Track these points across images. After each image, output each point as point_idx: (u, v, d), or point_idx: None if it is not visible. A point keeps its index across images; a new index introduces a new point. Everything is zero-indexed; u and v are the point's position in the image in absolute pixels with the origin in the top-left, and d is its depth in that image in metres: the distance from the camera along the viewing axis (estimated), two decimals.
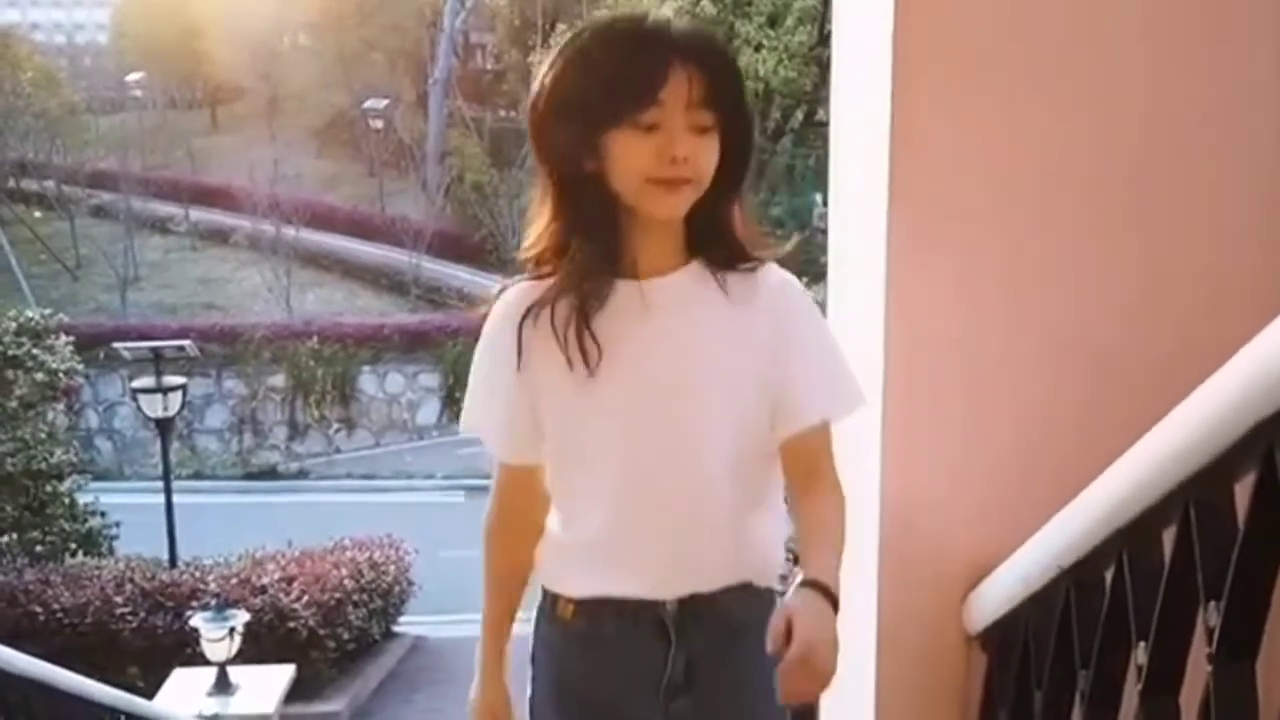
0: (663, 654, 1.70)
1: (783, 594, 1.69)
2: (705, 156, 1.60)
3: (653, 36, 1.60)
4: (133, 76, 32.72)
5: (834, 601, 1.53)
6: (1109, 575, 1.60)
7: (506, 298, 1.71)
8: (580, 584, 1.73)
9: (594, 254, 1.64)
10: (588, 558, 1.72)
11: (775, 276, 1.71)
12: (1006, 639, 2.08)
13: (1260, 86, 2.11)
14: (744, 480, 1.70)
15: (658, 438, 1.66)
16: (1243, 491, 1.27)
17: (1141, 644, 1.47)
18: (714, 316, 1.68)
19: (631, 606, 1.70)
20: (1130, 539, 1.54)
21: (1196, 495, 1.35)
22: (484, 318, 1.74)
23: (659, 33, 1.60)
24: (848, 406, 1.75)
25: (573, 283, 1.64)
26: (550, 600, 1.76)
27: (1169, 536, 1.43)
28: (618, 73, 1.58)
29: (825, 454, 1.73)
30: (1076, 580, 1.74)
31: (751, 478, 1.71)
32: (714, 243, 1.69)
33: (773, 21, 25.69)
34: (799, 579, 1.58)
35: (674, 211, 1.62)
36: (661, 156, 1.57)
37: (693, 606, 1.70)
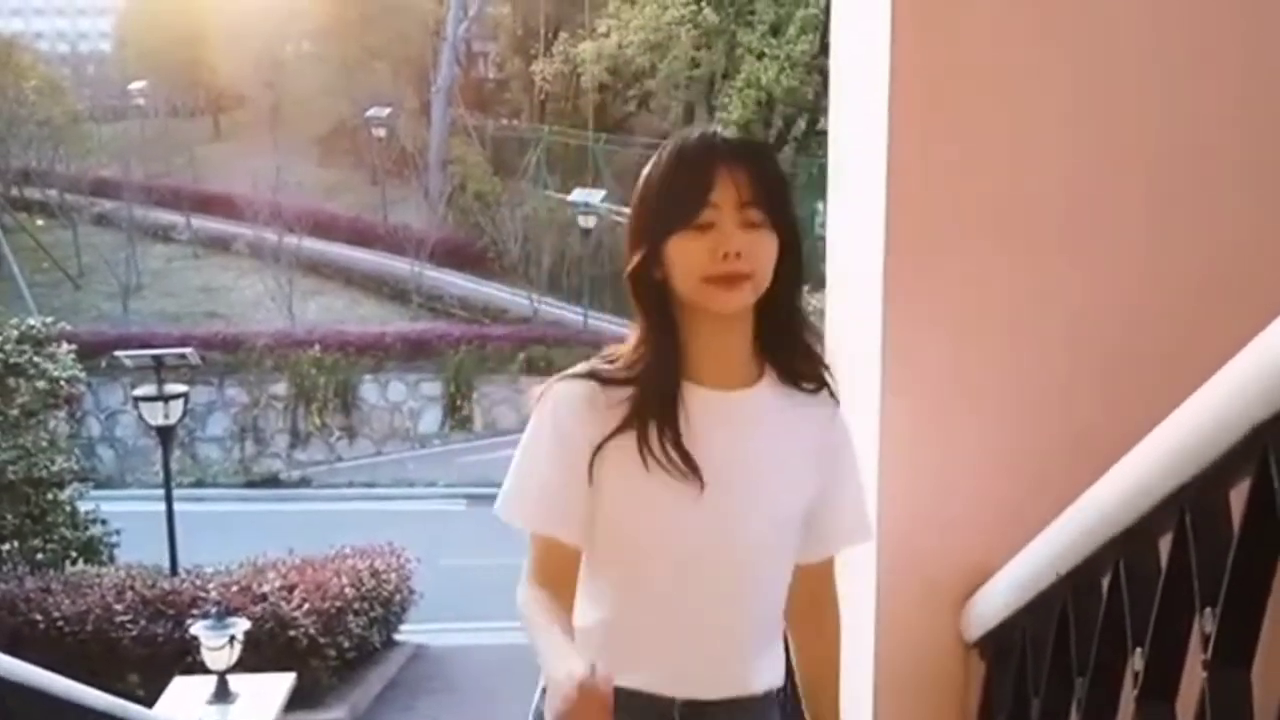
0: None
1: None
2: (761, 251, 1.66)
3: (700, 146, 1.70)
4: (135, 85, 32.68)
5: None
6: (1105, 582, 1.61)
7: (573, 388, 1.72)
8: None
9: (666, 358, 1.70)
10: (606, 644, 1.73)
11: (830, 407, 1.79)
12: (1004, 646, 2.08)
13: (1262, 91, 2.11)
14: (770, 597, 1.79)
15: (711, 547, 1.71)
16: (1238, 498, 1.27)
17: (1138, 650, 1.48)
18: (782, 435, 1.74)
19: (642, 700, 1.73)
20: (1126, 546, 1.54)
21: (1192, 501, 1.35)
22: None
23: (705, 142, 1.70)
24: (862, 539, 1.90)
25: (650, 385, 1.69)
26: None
27: (1165, 543, 1.43)
28: (672, 184, 1.68)
29: (833, 581, 1.89)
30: (1073, 587, 1.74)
31: (776, 599, 1.80)
32: (785, 354, 1.75)
33: (775, 30, 25.72)
34: None
35: (732, 305, 1.67)
36: (715, 253, 1.63)
37: (700, 706, 1.75)
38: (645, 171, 1.74)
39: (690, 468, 1.67)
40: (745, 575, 1.74)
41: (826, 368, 1.78)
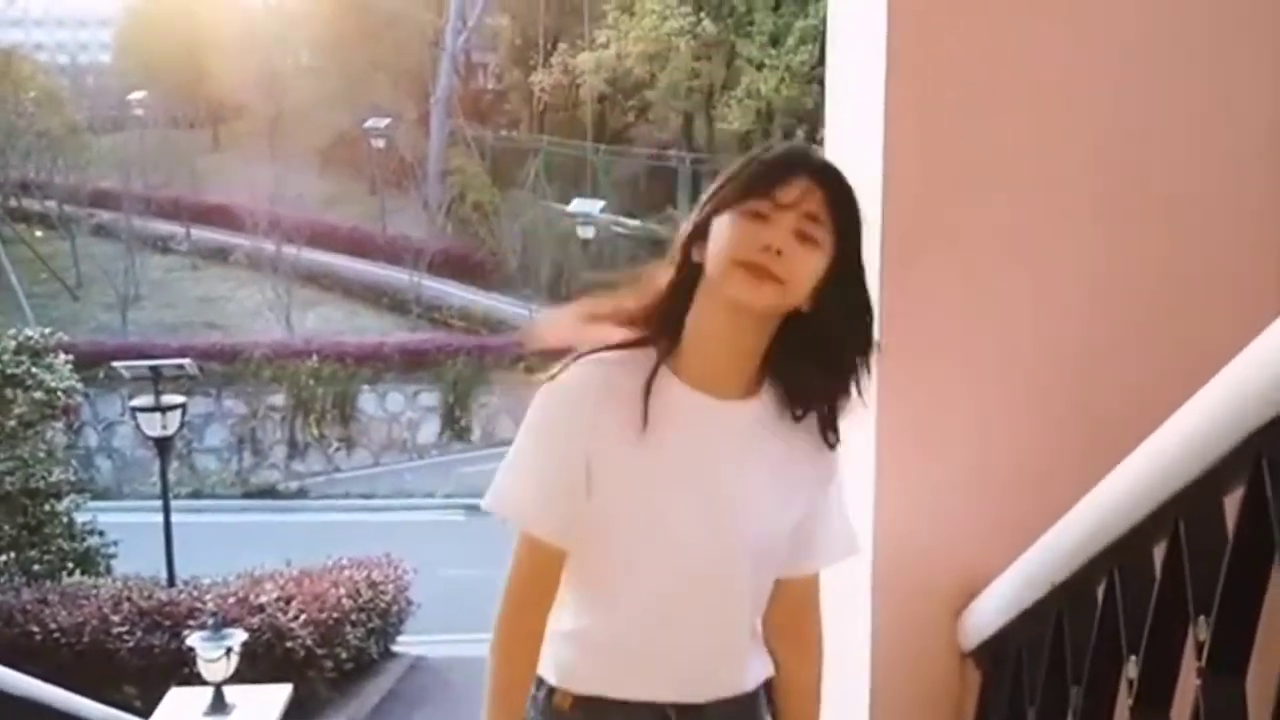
0: None
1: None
2: (803, 263, 1.60)
3: (793, 150, 1.69)
4: (135, 96, 32.71)
5: None
6: (1100, 591, 1.61)
7: (576, 376, 1.69)
8: (584, 680, 1.74)
9: (660, 341, 1.67)
10: (597, 655, 1.74)
11: (821, 448, 1.74)
12: (999, 655, 2.08)
13: (1253, 95, 2.12)
14: (756, 606, 1.77)
15: (717, 554, 1.70)
16: (1231, 506, 1.27)
17: (1133, 659, 1.47)
18: (775, 449, 1.71)
19: (634, 708, 1.72)
20: (1121, 555, 1.54)
21: (1186, 510, 1.35)
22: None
23: (799, 148, 1.71)
24: (846, 555, 1.87)
25: (636, 371, 1.66)
26: (546, 691, 1.75)
27: (1159, 552, 1.43)
28: (750, 170, 1.64)
29: (817, 595, 1.86)
30: (1068, 596, 1.74)
31: (760, 604, 1.79)
32: (791, 382, 1.70)
33: (774, 41, 25.80)
34: None
35: (750, 297, 1.60)
36: (756, 242, 1.59)
37: (693, 711, 1.74)
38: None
39: (662, 457, 1.64)
40: (741, 585, 1.72)
41: (833, 413, 1.71)
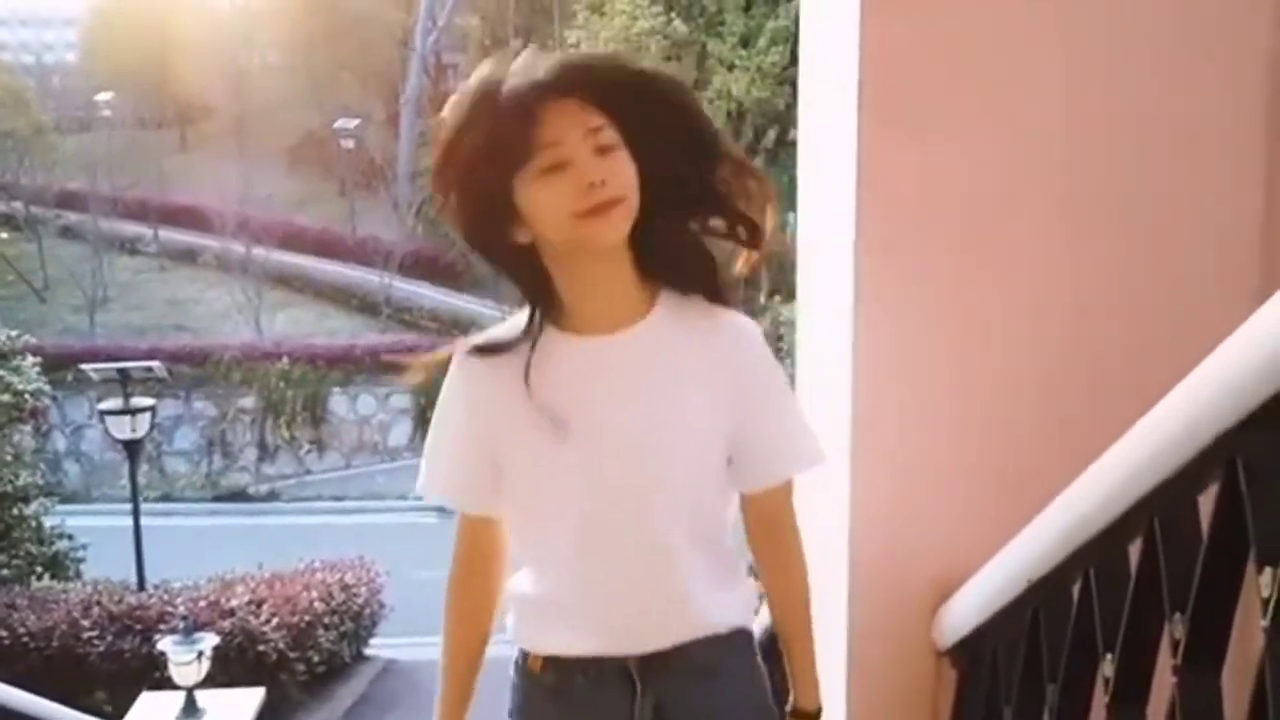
0: (629, 703, 1.71)
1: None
2: (619, 171, 1.55)
3: (514, 86, 1.54)
4: (101, 96, 32.50)
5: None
6: (1076, 589, 1.61)
7: (465, 357, 1.69)
8: (545, 641, 1.74)
9: (544, 316, 1.64)
10: (550, 615, 1.73)
11: (737, 322, 1.70)
12: (975, 654, 2.09)
13: (1227, 94, 2.13)
14: (702, 538, 1.71)
15: (617, 499, 1.66)
16: (1206, 504, 1.28)
17: (1108, 656, 1.48)
18: (675, 371, 1.66)
19: (595, 664, 1.71)
20: (1096, 553, 1.55)
21: (1161, 508, 1.36)
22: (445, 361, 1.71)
23: (513, 78, 1.55)
24: (810, 463, 1.77)
25: (524, 346, 1.64)
26: (521, 655, 1.77)
27: (1135, 550, 1.44)
28: (497, 133, 1.53)
29: (788, 510, 1.78)
30: (1044, 594, 1.75)
31: (710, 535, 1.72)
32: (674, 272, 1.66)
33: (745, 42, 25.82)
34: (790, 708, 1.80)
35: (613, 235, 1.58)
36: (579, 187, 1.53)
37: (658, 657, 1.71)
38: (451, 121, 1.57)
39: (559, 421, 1.61)
40: (659, 523, 1.66)
41: (717, 272, 1.67)
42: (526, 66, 1.56)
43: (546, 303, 1.64)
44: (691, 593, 1.70)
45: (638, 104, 1.58)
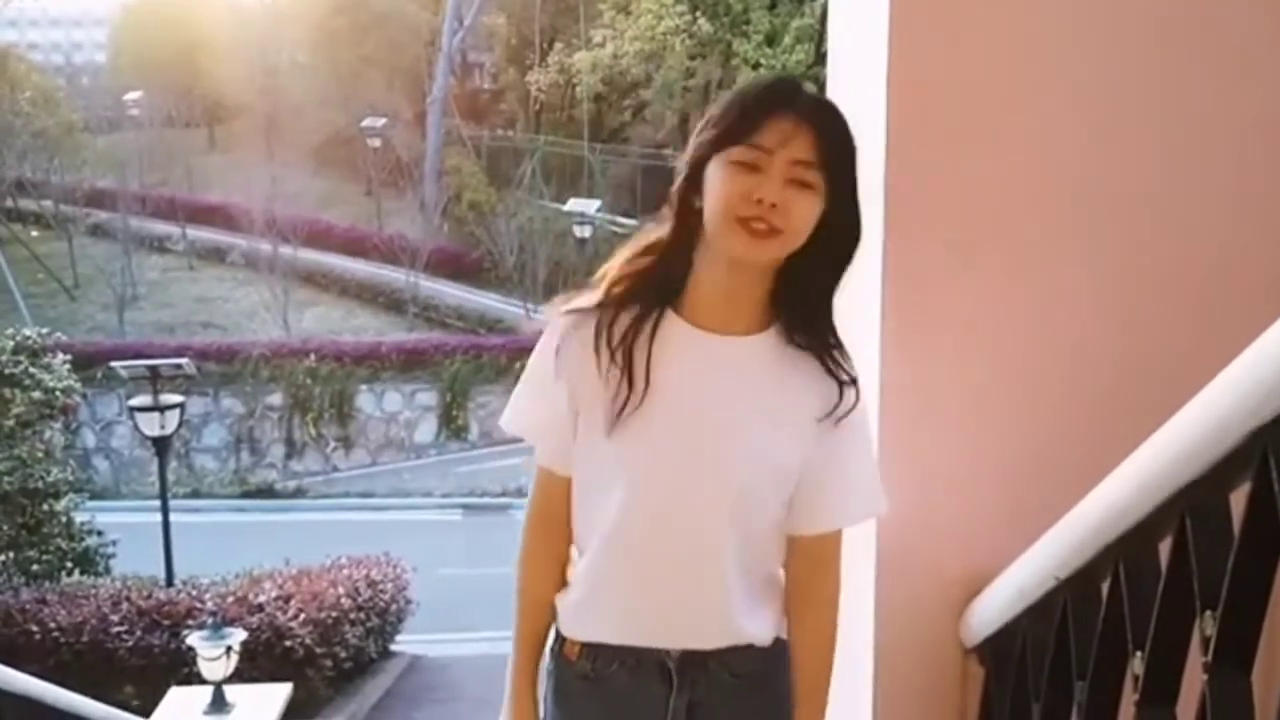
0: (665, 697, 1.73)
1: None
2: (799, 210, 1.60)
3: (777, 87, 1.65)
4: (130, 95, 32.69)
5: None
6: (1105, 586, 1.61)
7: (572, 317, 1.72)
8: (586, 628, 1.76)
9: (665, 287, 1.68)
10: (594, 603, 1.75)
11: (841, 374, 1.73)
12: (1004, 651, 2.08)
13: (1256, 90, 2.12)
14: (757, 551, 1.74)
15: (688, 492, 1.68)
16: (1238, 501, 1.28)
17: (1138, 654, 1.48)
18: (777, 391, 1.70)
19: (635, 653, 1.73)
20: (1126, 550, 1.54)
21: (1192, 505, 1.35)
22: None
23: (784, 83, 1.67)
24: (866, 516, 1.85)
25: (636, 314, 1.68)
26: (559, 640, 1.79)
27: (1165, 547, 1.43)
28: (736, 112, 1.62)
29: (836, 554, 1.82)
30: (1073, 591, 1.74)
31: (763, 550, 1.75)
32: (797, 314, 1.71)
33: (770, 40, 25.77)
34: None
35: (754, 256, 1.63)
36: (749, 196, 1.58)
37: (697, 656, 1.73)
38: (720, 100, 1.69)
39: (645, 386, 1.65)
40: (725, 524, 1.69)
41: (836, 343, 1.73)
42: (793, 79, 1.68)
43: (671, 285, 1.69)
44: (742, 602, 1.73)
45: (844, 167, 1.65)
